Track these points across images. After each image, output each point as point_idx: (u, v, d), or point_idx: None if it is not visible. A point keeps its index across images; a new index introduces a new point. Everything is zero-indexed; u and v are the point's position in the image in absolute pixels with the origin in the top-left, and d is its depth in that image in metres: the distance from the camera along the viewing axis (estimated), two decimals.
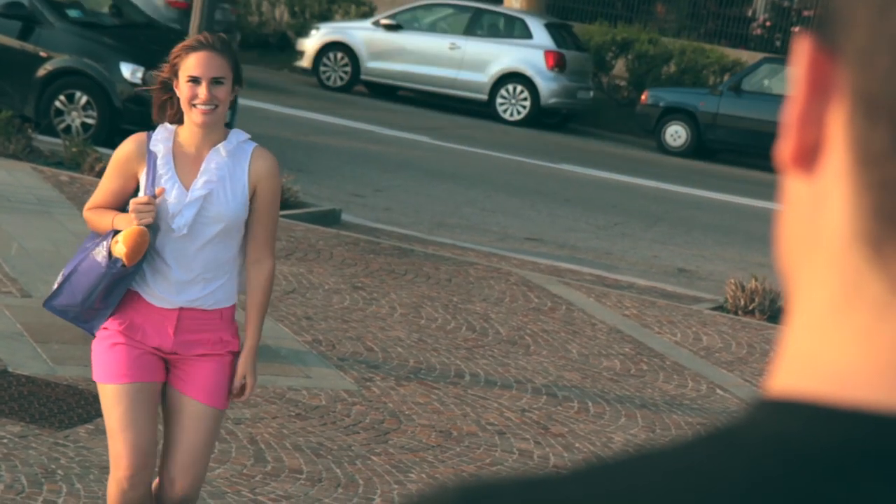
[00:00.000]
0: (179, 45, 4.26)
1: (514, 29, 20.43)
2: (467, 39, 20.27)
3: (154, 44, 12.38)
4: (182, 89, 4.17)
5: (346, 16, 23.42)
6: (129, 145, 4.27)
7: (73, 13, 12.90)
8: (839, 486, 0.57)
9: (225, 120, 4.30)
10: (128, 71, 12.09)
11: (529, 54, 19.96)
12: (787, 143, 0.63)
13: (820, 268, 0.63)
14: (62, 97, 12.26)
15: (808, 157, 0.63)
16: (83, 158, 10.53)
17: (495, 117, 20.03)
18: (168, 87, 4.27)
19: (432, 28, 20.69)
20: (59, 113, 12.27)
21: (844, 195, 0.61)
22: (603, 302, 9.15)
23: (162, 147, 4.21)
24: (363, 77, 20.64)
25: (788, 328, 0.64)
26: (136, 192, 4.29)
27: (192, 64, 4.16)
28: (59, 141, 11.32)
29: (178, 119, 4.29)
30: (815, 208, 0.63)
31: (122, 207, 4.28)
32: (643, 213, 13.66)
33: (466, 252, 10.32)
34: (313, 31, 21.14)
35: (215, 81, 4.16)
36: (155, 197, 4.18)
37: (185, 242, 4.23)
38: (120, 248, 4.13)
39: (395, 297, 8.38)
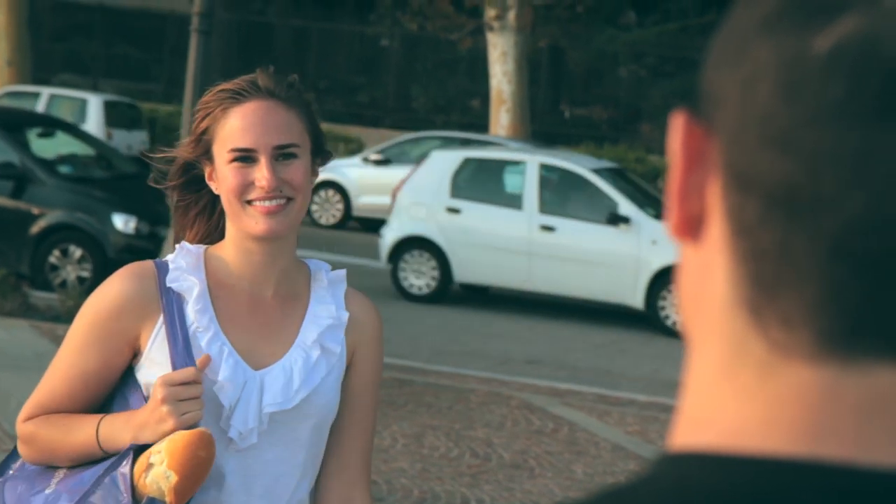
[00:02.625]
0: (210, 94, 2.40)
1: None
2: None
3: (145, 193, 12.51)
4: (222, 175, 2.35)
5: (335, 153, 23.69)
6: (124, 284, 2.34)
7: (63, 169, 13.07)
8: None
9: (299, 231, 2.44)
10: (120, 222, 12.22)
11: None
12: (671, 215, 0.67)
13: (709, 330, 0.67)
14: (57, 252, 12.36)
15: (693, 226, 0.67)
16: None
17: None
18: (193, 180, 2.44)
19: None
20: (55, 268, 12.36)
21: (725, 263, 0.65)
22: (605, 420, 9.13)
23: (192, 284, 2.35)
24: (355, 213, 20.82)
25: (685, 389, 0.68)
26: (129, 375, 2.38)
27: (236, 126, 2.33)
28: (55, 296, 11.39)
29: (213, 235, 2.47)
30: (702, 275, 0.67)
31: (97, 408, 2.39)
32: (641, 328, 13.68)
33: (466, 378, 10.32)
34: None
35: (283, 153, 2.34)
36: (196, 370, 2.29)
37: (247, 458, 2.36)
38: (165, 475, 2.20)
39: (397, 429, 8.37)
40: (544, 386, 10.29)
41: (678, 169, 0.66)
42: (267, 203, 2.32)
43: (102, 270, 12.19)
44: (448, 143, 21.05)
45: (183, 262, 2.37)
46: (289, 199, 2.34)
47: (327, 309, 2.43)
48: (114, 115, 22.70)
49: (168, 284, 2.35)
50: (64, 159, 13.45)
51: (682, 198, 0.66)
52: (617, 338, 13.05)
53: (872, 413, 0.62)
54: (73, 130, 14.61)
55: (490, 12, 22.59)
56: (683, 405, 0.68)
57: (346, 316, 2.44)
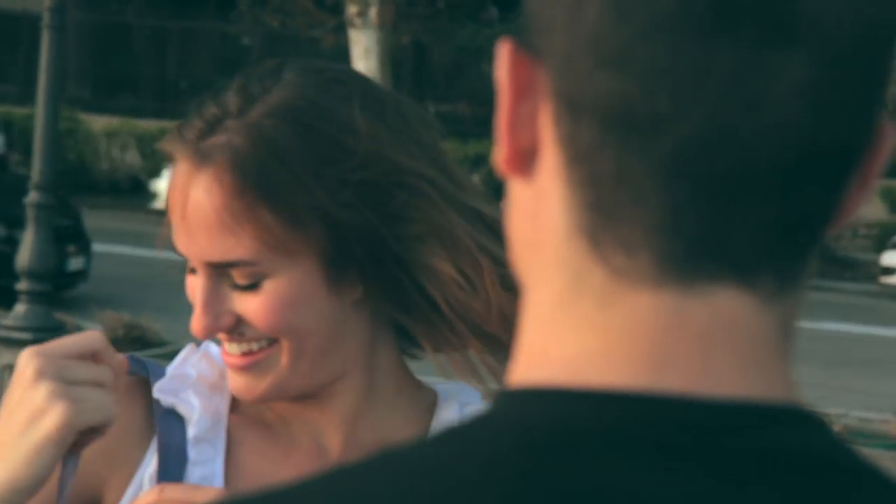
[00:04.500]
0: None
1: None
2: None
3: (1, 195, 12.24)
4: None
5: None
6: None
7: None
8: (566, 461, 0.59)
9: (340, 372, 1.34)
10: None
11: None
12: (501, 150, 0.64)
13: (545, 264, 0.64)
14: None
15: (525, 159, 0.64)
16: None
17: None
18: None
19: None
20: None
21: (561, 192, 0.63)
22: None
23: (193, 406, 1.36)
24: None
25: (522, 324, 0.66)
26: None
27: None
28: None
29: None
30: (536, 208, 0.64)
31: None
32: None
33: None
34: (166, 172, 21.09)
35: (224, 267, 1.29)
36: None
37: None
38: None
39: None
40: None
41: (506, 101, 0.64)
42: (234, 349, 1.33)
43: None
44: None
45: (193, 370, 1.38)
46: (252, 348, 1.32)
47: None
48: None
49: (157, 395, 1.35)
50: None
51: (512, 130, 0.64)
52: None
53: (713, 341, 0.61)
54: None
55: (351, 9, 22.55)
56: (521, 339, 0.65)
57: None
